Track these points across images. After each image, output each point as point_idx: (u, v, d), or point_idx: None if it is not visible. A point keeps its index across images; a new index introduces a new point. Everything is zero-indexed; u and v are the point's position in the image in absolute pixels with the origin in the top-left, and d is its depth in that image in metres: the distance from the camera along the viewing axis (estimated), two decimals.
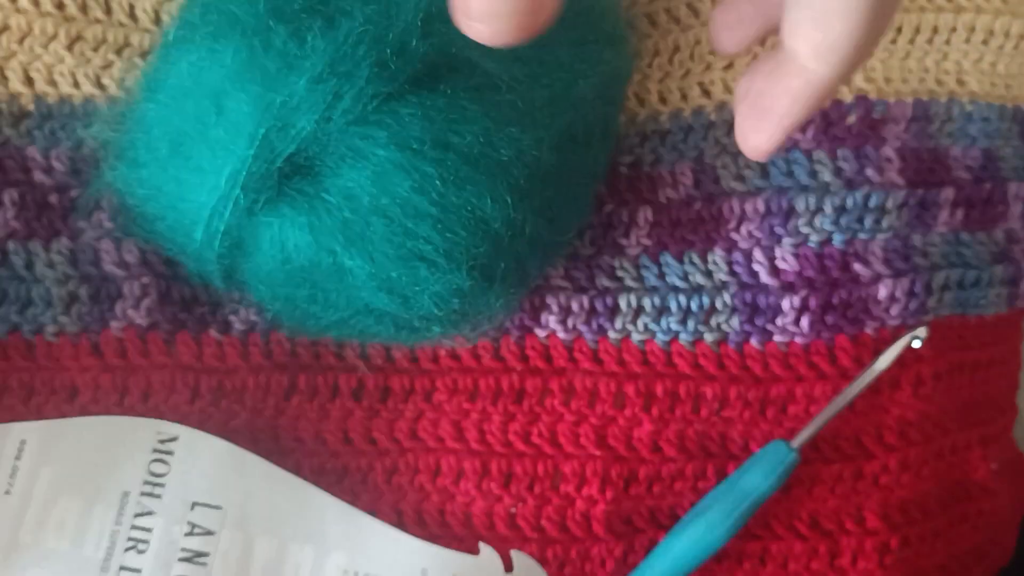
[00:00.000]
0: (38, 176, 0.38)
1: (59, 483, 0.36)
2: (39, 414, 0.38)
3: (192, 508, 0.37)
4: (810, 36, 0.25)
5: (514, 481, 0.39)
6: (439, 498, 0.39)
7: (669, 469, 0.40)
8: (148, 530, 0.36)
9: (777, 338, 0.40)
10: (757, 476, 0.38)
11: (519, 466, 0.39)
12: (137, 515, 0.36)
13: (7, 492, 0.36)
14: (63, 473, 0.36)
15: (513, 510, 0.39)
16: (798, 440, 0.39)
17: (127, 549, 0.36)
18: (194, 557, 0.36)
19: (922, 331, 0.39)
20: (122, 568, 0.36)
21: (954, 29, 0.42)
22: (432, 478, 0.39)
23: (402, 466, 0.39)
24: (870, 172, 0.40)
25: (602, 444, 0.40)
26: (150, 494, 0.37)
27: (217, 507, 0.37)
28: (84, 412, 0.38)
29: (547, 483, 0.39)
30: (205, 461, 0.37)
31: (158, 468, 0.37)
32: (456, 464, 0.39)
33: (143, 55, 0.39)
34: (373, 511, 0.39)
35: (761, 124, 0.28)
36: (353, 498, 0.39)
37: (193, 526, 0.37)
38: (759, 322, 0.40)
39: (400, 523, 0.39)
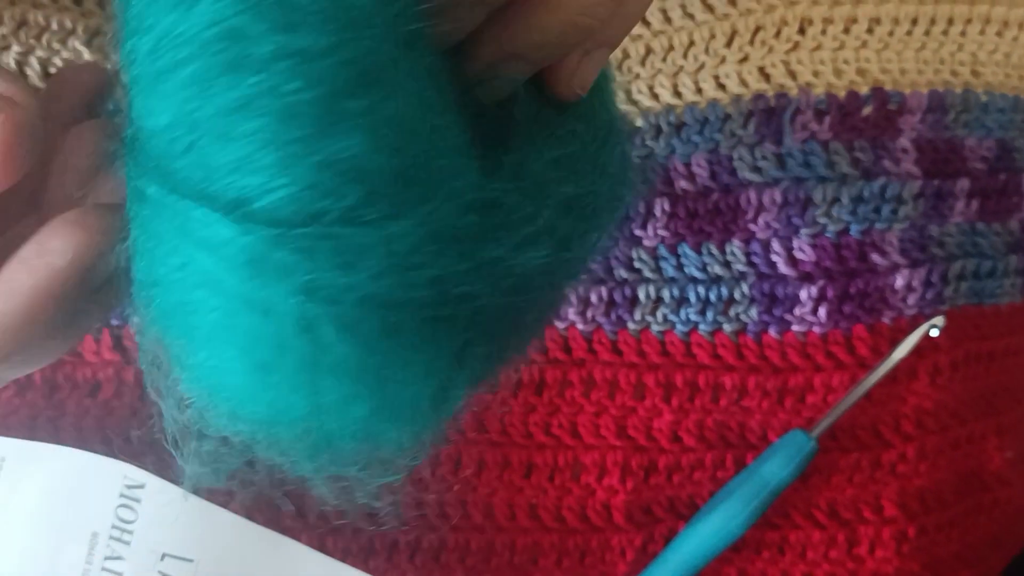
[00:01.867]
0: None
1: (32, 513, 0.36)
2: (61, 409, 0.38)
3: (162, 559, 0.36)
4: None
5: (535, 472, 0.40)
6: (461, 489, 0.39)
7: (689, 459, 0.40)
8: (119, 574, 0.36)
9: (795, 328, 0.40)
10: (776, 465, 0.39)
11: (540, 457, 0.40)
12: (107, 558, 0.36)
13: None
14: (37, 501, 0.36)
15: (534, 502, 0.40)
16: (817, 429, 0.39)
17: None
18: None
19: (939, 320, 0.39)
20: None
21: (969, 20, 0.42)
22: (453, 469, 0.40)
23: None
24: (887, 163, 0.40)
25: (622, 435, 0.40)
26: (119, 539, 0.36)
27: (188, 560, 0.36)
28: (107, 408, 0.38)
29: (568, 474, 0.40)
30: (174, 512, 0.36)
31: (125, 514, 0.36)
32: (477, 455, 0.40)
33: None
34: (395, 503, 0.39)
35: None
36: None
37: None
38: (777, 312, 0.40)
39: (422, 514, 0.39)
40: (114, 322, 0.38)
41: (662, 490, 0.40)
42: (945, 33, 0.42)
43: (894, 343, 0.40)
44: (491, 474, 0.40)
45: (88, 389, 0.38)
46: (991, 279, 0.43)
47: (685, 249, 0.40)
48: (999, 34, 0.43)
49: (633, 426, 0.40)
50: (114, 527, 0.36)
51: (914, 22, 0.42)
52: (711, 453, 0.40)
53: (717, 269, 0.40)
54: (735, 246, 0.40)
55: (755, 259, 0.40)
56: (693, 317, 0.40)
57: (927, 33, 0.42)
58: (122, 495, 0.36)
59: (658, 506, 0.40)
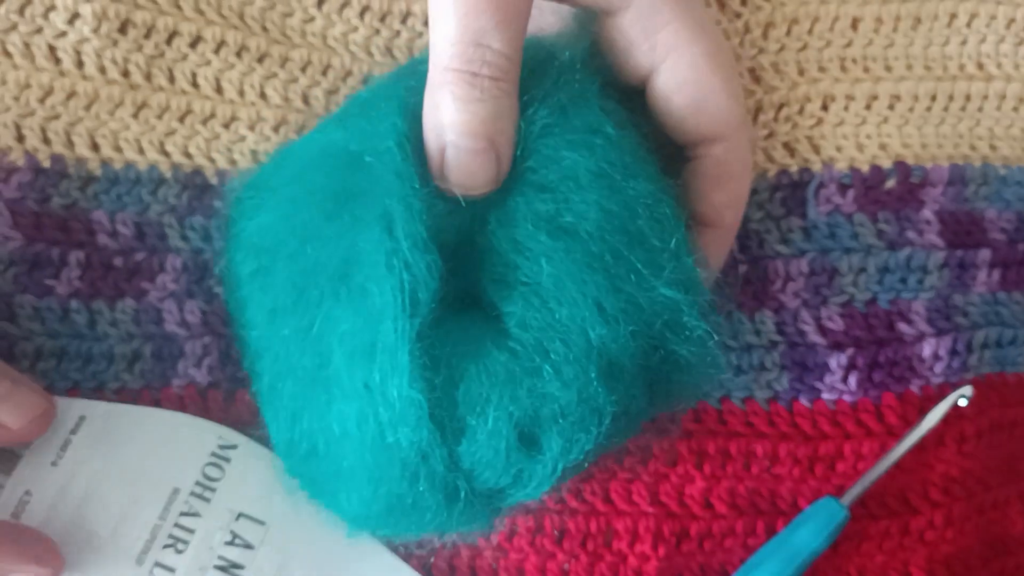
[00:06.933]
0: (102, 239, 0.39)
1: (110, 466, 0.36)
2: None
3: (237, 518, 0.37)
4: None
5: (567, 538, 0.40)
6: (492, 554, 0.40)
7: (720, 526, 0.40)
8: (191, 531, 0.36)
9: (825, 396, 0.41)
10: (808, 534, 0.39)
11: (572, 523, 0.40)
12: (183, 514, 0.36)
13: (54, 463, 0.36)
14: (117, 457, 0.36)
15: (566, 567, 0.40)
16: (849, 497, 0.39)
17: (166, 546, 0.36)
18: (229, 567, 0.36)
19: (968, 390, 0.40)
20: (157, 564, 0.36)
21: (986, 97, 0.44)
22: (485, 534, 0.40)
23: None
24: (911, 234, 0.41)
25: (654, 501, 0.40)
26: (200, 496, 0.37)
27: (261, 522, 0.37)
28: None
29: (600, 540, 0.40)
30: (259, 474, 0.37)
31: (212, 472, 0.37)
32: (509, 521, 0.40)
33: (204, 122, 0.40)
34: (427, 565, 0.39)
35: None
36: (406, 553, 0.39)
37: (235, 536, 0.37)
38: (808, 380, 0.41)
39: None
40: (155, 384, 0.39)
41: (693, 557, 0.40)
42: (963, 109, 0.43)
43: (922, 411, 0.40)
44: (523, 539, 0.40)
45: None
46: (1012, 347, 0.44)
47: (716, 318, 0.41)
48: (1014, 110, 0.44)
49: (665, 492, 0.40)
50: (197, 483, 0.37)
51: (933, 98, 0.43)
52: (742, 520, 0.40)
53: (748, 337, 0.41)
54: (765, 315, 0.41)
55: (785, 328, 0.41)
56: (725, 385, 0.41)
57: (946, 109, 0.43)
58: (213, 454, 0.37)
59: (689, 573, 0.40)
